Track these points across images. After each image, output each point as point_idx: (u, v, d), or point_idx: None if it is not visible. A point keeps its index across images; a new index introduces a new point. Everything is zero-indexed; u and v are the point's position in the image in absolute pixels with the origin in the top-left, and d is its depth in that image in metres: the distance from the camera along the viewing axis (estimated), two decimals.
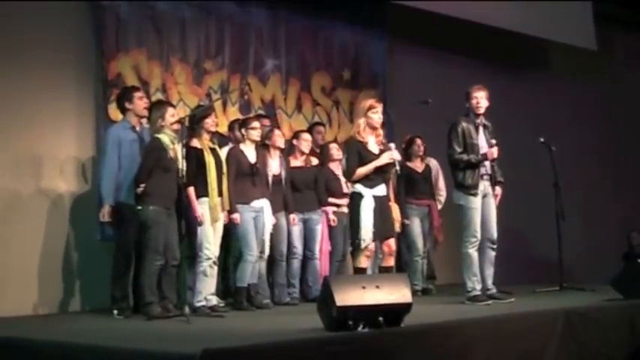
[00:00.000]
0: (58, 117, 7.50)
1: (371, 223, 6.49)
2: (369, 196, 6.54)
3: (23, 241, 7.17)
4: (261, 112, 8.68)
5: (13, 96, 7.20)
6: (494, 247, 6.99)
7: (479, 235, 6.87)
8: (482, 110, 6.96)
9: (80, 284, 7.44)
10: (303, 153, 7.81)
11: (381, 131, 6.70)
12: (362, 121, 6.65)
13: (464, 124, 6.94)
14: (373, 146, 6.63)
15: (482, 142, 6.96)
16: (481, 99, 6.94)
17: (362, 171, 6.57)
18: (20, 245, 7.15)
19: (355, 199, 6.63)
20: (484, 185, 6.94)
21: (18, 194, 7.22)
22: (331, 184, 8.00)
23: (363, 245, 6.51)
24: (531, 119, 10.91)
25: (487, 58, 10.69)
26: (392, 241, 6.75)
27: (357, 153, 6.60)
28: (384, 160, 6.56)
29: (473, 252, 6.87)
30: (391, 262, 6.77)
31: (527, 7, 10.57)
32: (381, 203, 6.61)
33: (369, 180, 6.57)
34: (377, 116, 6.63)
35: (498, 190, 7.07)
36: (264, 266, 7.31)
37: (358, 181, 6.59)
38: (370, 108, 6.64)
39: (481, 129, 7.00)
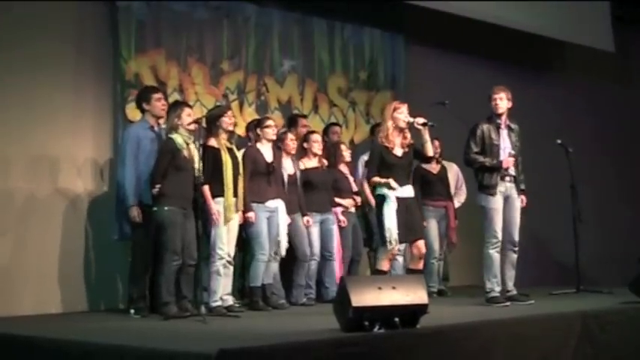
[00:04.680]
0: (76, 117, 7.53)
1: (395, 224, 6.43)
2: (392, 198, 6.49)
3: (41, 240, 7.21)
4: (277, 112, 8.70)
5: (31, 96, 7.23)
6: (516, 249, 6.99)
7: (500, 236, 6.86)
8: (500, 111, 6.97)
9: (97, 284, 7.46)
10: (315, 154, 7.81)
11: (408, 133, 6.67)
12: (389, 124, 6.63)
13: (484, 126, 6.97)
14: (398, 150, 6.62)
15: (505, 143, 6.97)
16: (499, 100, 6.95)
17: (376, 179, 6.57)
18: (38, 245, 7.19)
19: (379, 201, 6.61)
20: (506, 187, 6.94)
21: (35, 194, 7.26)
22: (340, 184, 8.00)
23: (389, 247, 6.48)
24: (548, 120, 10.87)
25: (504, 59, 10.66)
26: (421, 244, 6.64)
27: (378, 157, 6.59)
28: (395, 185, 6.48)
29: (494, 253, 6.86)
30: (421, 265, 6.67)
31: (544, 9, 10.54)
32: (406, 205, 6.54)
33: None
34: (402, 116, 6.61)
35: (522, 198, 7.06)
36: (276, 266, 7.30)
37: (382, 183, 6.57)
38: (395, 109, 6.65)
39: (504, 131, 7.00)
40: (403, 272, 7.53)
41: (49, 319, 6.80)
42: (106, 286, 7.48)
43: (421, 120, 6.58)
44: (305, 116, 8.63)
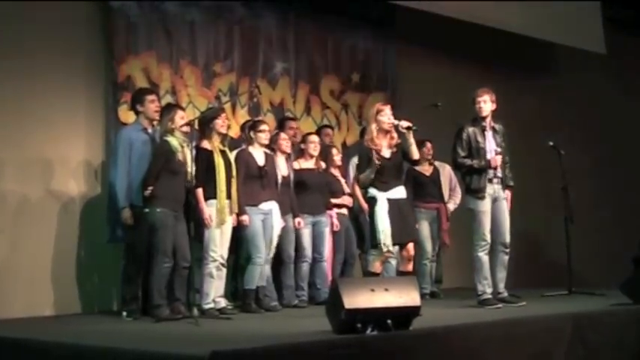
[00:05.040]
0: (69, 119, 7.52)
1: (388, 226, 6.40)
2: (382, 199, 6.46)
3: (34, 242, 7.19)
4: (270, 114, 8.70)
5: (24, 99, 7.22)
6: (507, 250, 6.99)
7: (489, 238, 6.87)
8: (484, 113, 6.98)
9: (90, 286, 7.45)
10: (312, 155, 7.82)
11: (394, 133, 6.64)
12: (373, 127, 6.61)
13: (469, 129, 6.98)
14: (386, 151, 6.60)
15: (491, 145, 6.98)
16: (483, 102, 6.96)
17: (362, 176, 6.57)
18: (31, 247, 7.17)
19: (370, 203, 6.60)
20: (494, 189, 6.95)
21: (28, 196, 7.24)
22: (333, 186, 8.02)
23: (385, 249, 6.46)
24: (540, 122, 10.90)
25: (496, 61, 10.68)
26: (411, 246, 6.62)
27: (367, 160, 6.56)
28: (379, 161, 6.44)
29: (483, 255, 6.87)
30: (410, 267, 6.64)
31: (536, 10, 10.56)
32: (398, 206, 6.50)
33: (382, 183, 6.50)
34: (386, 118, 6.57)
35: (508, 193, 7.07)
36: (268, 269, 7.31)
37: (372, 185, 6.56)
38: (378, 112, 6.61)
39: (489, 132, 7.01)
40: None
41: (42, 321, 6.79)
42: (99, 289, 7.48)
43: (405, 124, 6.53)
44: (294, 119, 8.62)
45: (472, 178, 6.94)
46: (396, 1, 9.28)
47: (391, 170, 6.55)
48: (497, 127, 7.07)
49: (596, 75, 11.98)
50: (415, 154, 6.60)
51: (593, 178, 11.46)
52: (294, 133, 8.14)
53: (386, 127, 6.57)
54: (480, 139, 6.96)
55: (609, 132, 12.07)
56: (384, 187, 6.52)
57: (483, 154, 6.94)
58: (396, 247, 6.70)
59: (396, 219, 6.45)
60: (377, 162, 6.41)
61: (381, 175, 6.50)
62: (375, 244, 6.47)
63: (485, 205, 6.89)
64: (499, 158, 6.94)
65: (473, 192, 6.93)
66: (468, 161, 6.93)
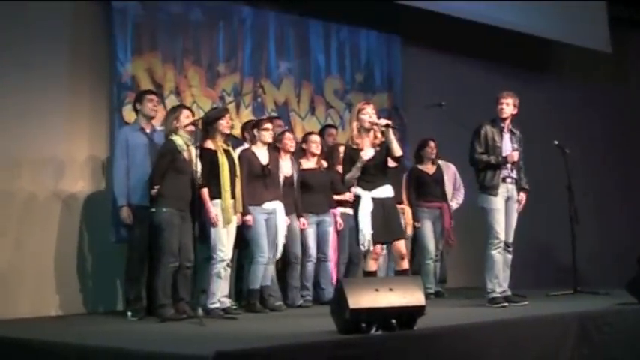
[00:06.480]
0: (73, 119, 7.53)
1: (369, 225, 6.38)
2: (367, 198, 6.44)
3: (38, 242, 7.20)
4: (274, 114, 8.69)
5: (28, 99, 7.23)
6: (510, 249, 7.01)
7: (502, 236, 6.88)
8: (504, 115, 7.01)
9: (94, 285, 7.46)
10: (314, 155, 7.82)
11: (378, 132, 6.59)
12: (355, 125, 6.62)
13: (487, 127, 7.01)
14: (369, 150, 6.54)
15: (507, 146, 7.00)
16: (506, 104, 7.00)
17: (348, 175, 6.56)
18: (35, 247, 7.18)
19: (355, 201, 6.60)
20: (507, 188, 6.98)
21: (32, 196, 7.25)
22: (338, 185, 7.99)
23: (363, 249, 6.48)
24: (545, 121, 10.87)
25: (501, 60, 10.67)
26: (401, 244, 6.56)
27: (349, 160, 6.56)
28: (366, 156, 6.42)
29: (496, 254, 6.88)
30: (405, 264, 6.60)
31: (540, 10, 10.56)
32: (383, 205, 6.49)
33: (367, 182, 6.49)
34: (367, 117, 6.56)
35: (522, 196, 7.10)
36: (273, 269, 7.31)
37: (358, 184, 6.53)
38: (359, 110, 6.61)
39: (507, 134, 7.04)
40: None
41: (47, 321, 6.80)
42: (105, 288, 7.48)
43: (383, 121, 6.53)
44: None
45: (486, 176, 6.96)
46: (400, 0, 9.28)
47: (375, 169, 6.52)
48: (515, 130, 7.11)
49: (601, 74, 11.96)
50: (397, 151, 6.55)
51: (598, 177, 11.45)
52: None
53: (367, 125, 6.57)
54: (497, 138, 7.00)
55: (613, 131, 12.06)
56: (369, 187, 6.49)
57: (499, 152, 6.96)
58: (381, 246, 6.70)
59: (379, 218, 6.42)
60: (359, 163, 6.41)
61: (364, 174, 6.49)
62: (358, 243, 6.48)
63: (499, 203, 6.90)
64: (516, 154, 6.95)
65: (486, 189, 6.94)
66: (485, 157, 6.95)
